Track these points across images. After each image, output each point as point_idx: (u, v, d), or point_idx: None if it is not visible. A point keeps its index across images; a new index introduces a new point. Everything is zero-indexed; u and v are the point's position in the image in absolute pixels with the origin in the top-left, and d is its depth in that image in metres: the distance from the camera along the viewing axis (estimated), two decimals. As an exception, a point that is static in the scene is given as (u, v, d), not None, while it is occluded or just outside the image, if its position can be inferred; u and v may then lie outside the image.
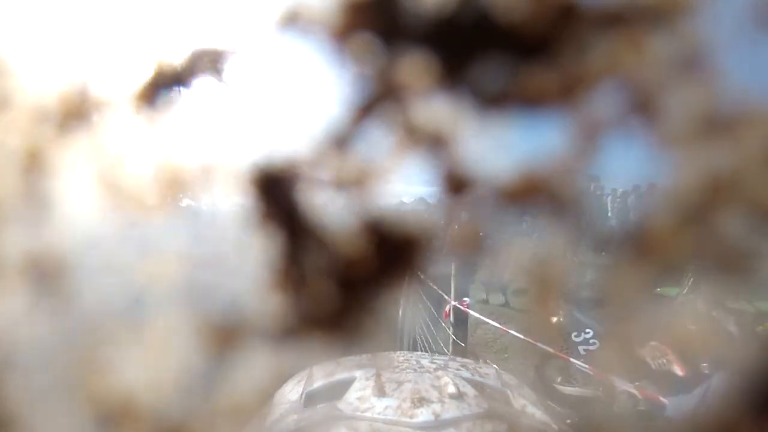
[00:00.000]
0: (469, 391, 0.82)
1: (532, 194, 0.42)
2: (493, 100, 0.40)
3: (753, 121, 0.36)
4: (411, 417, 0.72)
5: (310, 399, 0.84)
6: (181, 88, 0.44)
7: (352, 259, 0.44)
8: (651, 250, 0.37)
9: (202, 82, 0.45)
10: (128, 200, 0.48)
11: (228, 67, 0.44)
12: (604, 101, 0.39)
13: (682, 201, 0.37)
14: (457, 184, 0.43)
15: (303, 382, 0.90)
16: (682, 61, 0.37)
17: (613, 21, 0.37)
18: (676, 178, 0.38)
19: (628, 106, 0.39)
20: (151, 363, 0.53)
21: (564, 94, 0.39)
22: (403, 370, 0.88)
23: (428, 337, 2.77)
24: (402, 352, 0.99)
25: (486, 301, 3.68)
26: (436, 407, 0.74)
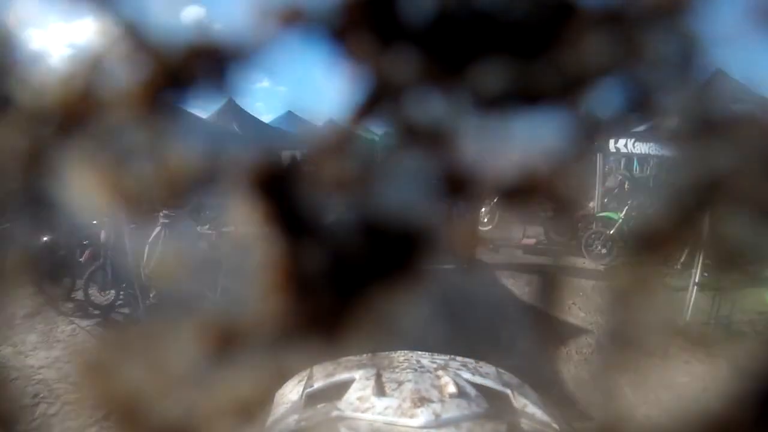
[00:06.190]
0: (470, 390, 0.81)
1: (533, 193, 0.42)
2: (493, 100, 0.40)
3: (752, 120, 0.36)
4: (411, 417, 0.72)
5: (311, 399, 0.84)
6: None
7: (351, 258, 0.44)
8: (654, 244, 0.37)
9: (202, 83, 0.45)
10: (129, 200, 0.48)
11: (229, 66, 0.44)
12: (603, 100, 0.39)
13: (680, 199, 0.37)
14: (456, 184, 0.43)
15: (303, 382, 0.89)
16: (682, 60, 0.37)
17: (613, 20, 0.38)
18: (674, 176, 0.38)
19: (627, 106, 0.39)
20: (153, 363, 0.53)
21: (564, 94, 0.39)
22: (404, 369, 0.87)
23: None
24: (402, 351, 0.98)
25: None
26: (437, 407, 0.74)
